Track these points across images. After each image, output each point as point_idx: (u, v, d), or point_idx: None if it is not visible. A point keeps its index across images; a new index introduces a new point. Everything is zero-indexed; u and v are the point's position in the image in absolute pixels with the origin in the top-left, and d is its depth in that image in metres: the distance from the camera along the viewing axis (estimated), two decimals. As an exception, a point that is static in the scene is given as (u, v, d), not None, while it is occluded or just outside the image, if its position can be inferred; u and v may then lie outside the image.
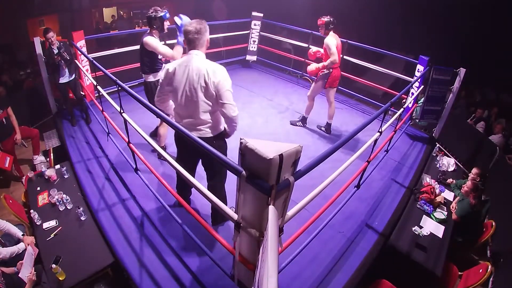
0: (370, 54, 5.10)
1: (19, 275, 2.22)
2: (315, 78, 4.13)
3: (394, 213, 3.08)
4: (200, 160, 2.40)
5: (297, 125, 4.51)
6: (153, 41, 3.02)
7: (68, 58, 3.73)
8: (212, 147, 1.59)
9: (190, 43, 2.07)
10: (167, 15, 3.08)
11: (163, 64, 3.20)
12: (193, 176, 2.35)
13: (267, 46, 6.47)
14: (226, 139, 2.36)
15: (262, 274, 0.86)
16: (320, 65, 3.84)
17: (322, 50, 3.99)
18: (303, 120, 4.49)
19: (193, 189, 2.53)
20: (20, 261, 2.31)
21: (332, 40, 3.72)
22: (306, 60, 5.76)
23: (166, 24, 3.15)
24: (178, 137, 2.32)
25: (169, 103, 2.31)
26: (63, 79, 3.85)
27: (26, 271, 2.24)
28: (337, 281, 2.37)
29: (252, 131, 4.28)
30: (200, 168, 2.51)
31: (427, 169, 3.82)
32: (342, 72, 4.88)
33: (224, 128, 2.29)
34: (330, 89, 4.07)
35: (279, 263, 1.09)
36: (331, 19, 3.77)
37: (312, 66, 3.89)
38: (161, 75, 2.14)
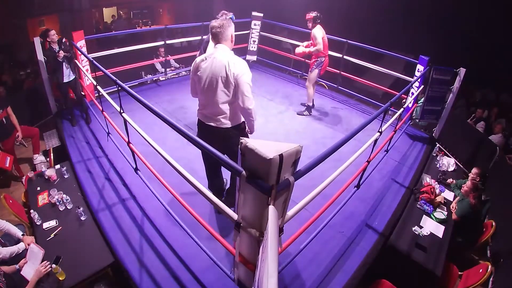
0: (370, 54, 5.10)
1: (21, 273, 2.23)
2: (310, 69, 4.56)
3: (394, 213, 3.08)
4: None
5: (304, 115, 4.78)
6: None
7: (69, 54, 3.73)
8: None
9: (215, 37, 2.20)
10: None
11: None
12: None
13: (267, 46, 6.47)
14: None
15: (262, 274, 0.86)
16: (307, 49, 4.37)
17: (311, 41, 4.43)
18: (308, 108, 4.78)
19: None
20: (24, 259, 2.32)
21: (319, 32, 4.23)
22: (306, 60, 5.76)
23: None
24: (199, 127, 2.40)
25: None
26: (65, 79, 3.85)
27: (30, 270, 2.24)
28: (337, 281, 2.37)
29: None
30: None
31: (427, 169, 3.82)
32: (342, 72, 5.03)
33: (244, 123, 2.38)
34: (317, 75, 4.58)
35: (279, 263, 1.09)
36: (318, 14, 4.27)
37: (300, 49, 4.45)
38: (192, 67, 2.31)
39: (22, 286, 2.17)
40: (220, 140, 2.27)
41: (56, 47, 3.67)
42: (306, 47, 4.45)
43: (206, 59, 2.18)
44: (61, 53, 3.63)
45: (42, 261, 2.29)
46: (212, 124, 2.25)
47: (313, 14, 4.27)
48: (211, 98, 2.18)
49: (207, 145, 1.59)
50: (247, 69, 2.14)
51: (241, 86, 2.11)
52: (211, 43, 2.94)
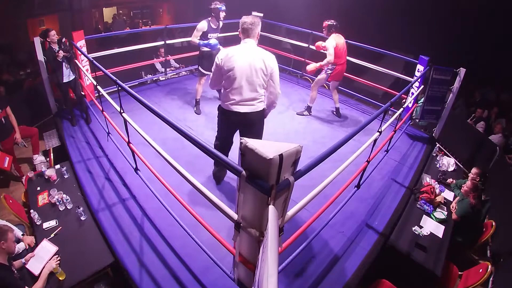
0: (370, 54, 5.10)
1: (27, 266, 2.26)
2: (314, 77, 4.54)
3: (394, 213, 3.08)
4: (239, 130, 2.83)
5: (303, 115, 4.78)
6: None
7: (69, 54, 3.73)
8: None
9: (245, 32, 2.47)
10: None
11: None
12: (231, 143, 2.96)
13: (267, 46, 6.46)
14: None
15: (262, 274, 0.86)
16: (318, 64, 4.29)
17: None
18: (309, 109, 4.80)
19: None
20: (31, 253, 2.35)
21: (331, 42, 4.14)
22: (306, 60, 5.75)
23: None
24: (227, 115, 2.68)
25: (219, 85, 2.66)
26: (65, 79, 3.85)
27: (38, 264, 2.26)
28: (337, 281, 2.37)
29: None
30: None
31: (427, 169, 3.82)
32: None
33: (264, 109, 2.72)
34: (333, 82, 4.59)
35: (279, 263, 1.09)
36: (334, 23, 4.20)
37: (312, 66, 4.34)
38: (219, 59, 2.49)
39: (29, 279, 2.21)
40: (248, 123, 2.67)
41: (56, 47, 3.67)
42: (323, 47, 4.35)
43: (236, 52, 2.44)
44: (61, 53, 3.63)
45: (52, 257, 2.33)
46: (245, 110, 2.57)
47: (328, 22, 4.21)
48: (249, 86, 2.48)
49: (207, 145, 1.59)
50: (276, 62, 2.53)
51: (274, 76, 2.53)
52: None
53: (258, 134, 2.83)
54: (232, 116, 2.59)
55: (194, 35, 4.07)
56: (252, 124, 2.69)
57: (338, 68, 4.36)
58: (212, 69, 2.59)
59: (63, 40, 3.71)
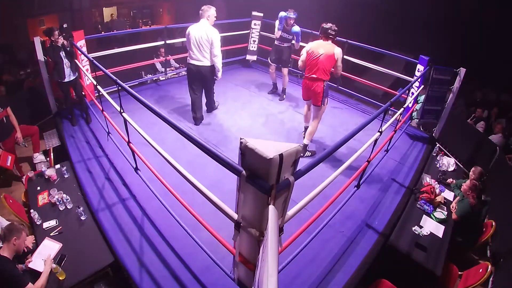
0: (370, 54, 5.10)
1: (30, 265, 2.27)
2: None
3: (394, 213, 3.08)
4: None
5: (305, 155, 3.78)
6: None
7: (68, 41, 3.71)
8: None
9: (201, 16, 3.83)
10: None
11: None
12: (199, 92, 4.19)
13: (268, 46, 6.46)
14: None
15: (262, 274, 0.86)
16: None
17: None
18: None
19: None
20: (30, 258, 2.35)
21: (307, 46, 3.55)
22: (306, 60, 5.75)
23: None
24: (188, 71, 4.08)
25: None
26: (67, 78, 3.84)
27: (40, 262, 2.26)
28: (337, 281, 2.37)
29: (252, 131, 4.28)
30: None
31: (427, 169, 3.82)
32: (342, 72, 4.29)
33: None
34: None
35: (279, 263, 1.09)
36: (323, 26, 3.46)
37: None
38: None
39: (31, 277, 2.21)
40: (201, 72, 3.95)
41: (59, 44, 3.63)
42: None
43: (192, 28, 3.81)
44: (61, 39, 3.60)
45: (57, 254, 2.35)
46: (196, 63, 3.89)
47: (323, 25, 3.49)
48: (197, 48, 3.82)
49: (207, 144, 1.59)
50: (216, 34, 3.80)
51: (213, 43, 3.77)
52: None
53: (209, 84, 4.17)
54: (190, 66, 3.95)
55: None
56: (205, 74, 3.97)
57: (302, 82, 3.67)
58: None
59: (64, 25, 3.69)
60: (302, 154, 3.77)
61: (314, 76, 3.46)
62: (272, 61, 5.19)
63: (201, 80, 4.03)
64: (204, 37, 3.72)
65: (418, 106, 4.65)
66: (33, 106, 5.17)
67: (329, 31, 3.42)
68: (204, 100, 4.37)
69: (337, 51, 3.40)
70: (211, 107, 4.56)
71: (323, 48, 3.40)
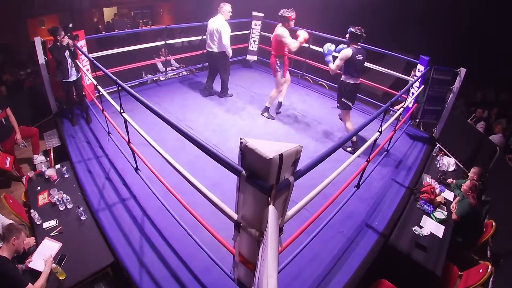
0: (370, 54, 5.09)
1: (30, 265, 2.27)
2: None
3: (394, 213, 3.08)
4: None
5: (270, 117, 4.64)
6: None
7: (72, 42, 3.70)
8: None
9: (218, 11, 4.65)
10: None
11: None
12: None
13: (268, 46, 6.45)
14: None
15: (262, 274, 0.86)
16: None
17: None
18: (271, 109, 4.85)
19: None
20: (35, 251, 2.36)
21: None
22: (307, 60, 5.76)
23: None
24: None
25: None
26: (72, 77, 3.83)
27: (41, 261, 2.26)
28: (337, 281, 2.37)
29: (252, 131, 4.28)
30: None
31: (427, 169, 3.82)
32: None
33: None
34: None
35: (279, 263, 1.09)
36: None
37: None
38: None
39: (30, 277, 2.21)
40: (214, 58, 4.83)
41: (64, 43, 3.62)
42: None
43: (210, 21, 4.65)
44: (66, 38, 3.59)
45: (57, 254, 2.35)
46: (210, 49, 4.77)
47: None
48: (210, 37, 4.68)
49: (207, 145, 1.59)
50: (225, 27, 4.52)
51: (221, 34, 4.51)
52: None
53: (223, 66, 4.92)
54: (207, 51, 4.86)
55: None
56: (217, 59, 4.80)
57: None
58: None
59: (70, 25, 3.67)
60: (261, 113, 4.75)
61: (272, 52, 4.52)
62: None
63: (214, 63, 4.91)
64: (215, 29, 4.52)
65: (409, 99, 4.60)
66: (34, 106, 5.17)
67: (280, 15, 4.22)
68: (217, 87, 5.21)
69: (279, 32, 4.18)
70: (222, 92, 5.17)
71: (275, 30, 4.31)
